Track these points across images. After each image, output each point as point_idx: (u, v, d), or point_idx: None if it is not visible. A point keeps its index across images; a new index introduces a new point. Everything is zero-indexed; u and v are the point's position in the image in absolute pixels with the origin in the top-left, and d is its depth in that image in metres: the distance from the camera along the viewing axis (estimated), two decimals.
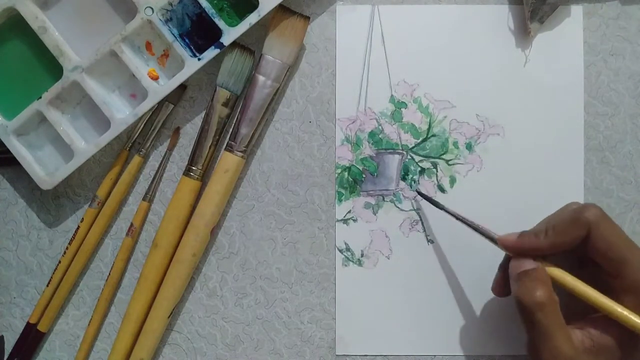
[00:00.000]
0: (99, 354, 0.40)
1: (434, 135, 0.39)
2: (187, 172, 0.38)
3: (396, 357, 0.39)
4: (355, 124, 0.39)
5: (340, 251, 0.39)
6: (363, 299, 0.39)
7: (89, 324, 0.39)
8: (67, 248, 0.39)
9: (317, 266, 0.39)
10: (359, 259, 0.39)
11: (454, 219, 0.36)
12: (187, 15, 0.38)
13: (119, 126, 0.37)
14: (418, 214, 0.39)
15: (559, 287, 0.32)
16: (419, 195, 0.39)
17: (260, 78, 0.37)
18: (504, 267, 0.35)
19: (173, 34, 0.37)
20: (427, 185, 0.39)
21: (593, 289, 0.31)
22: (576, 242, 0.32)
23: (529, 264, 0.32)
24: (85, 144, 0.38)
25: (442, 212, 0.39)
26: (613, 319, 0.31)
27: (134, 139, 0.39)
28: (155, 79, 0.38)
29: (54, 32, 0.37)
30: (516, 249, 0.33)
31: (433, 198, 0.38)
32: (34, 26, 0.37)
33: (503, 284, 0.35)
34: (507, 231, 0.34)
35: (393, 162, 0.39)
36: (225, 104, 0.38)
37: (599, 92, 0.39)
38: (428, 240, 0.39)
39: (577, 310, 0.33)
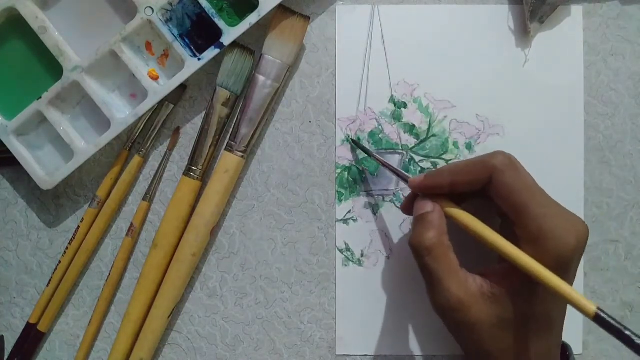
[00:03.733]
0: (99, 354, 0.40)
1: (434, 135, 0.39)
2: (187, 172, 0.38)
3: (396, 357, 0.39)
4: (355, 124, 0.39)
5: (340, 251, 0.39)
6: (363, 299, 0.39)
7: (89, 324, 0.39)
8: (67, 248, 0.39)
9: (317, 266, 0.39)
10: (359, 259, 0.39)
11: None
12: (187, 15, 0.38)
13: (119, 126, 0.37)
14: None
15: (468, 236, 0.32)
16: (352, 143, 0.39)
17: (260, 78, 0.37)
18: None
19: (173, 34, 0.37)
20: None
21: (491, 230, 0.31)
22: (478, 184, 0.32)
23: (427, 206, 0.32)
24: (85, 144, 0.38)
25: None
26: (513, 269, 0.30)
27: (134, 139, 0.39)
28: (155, 79, 0.38)
29: (54, 32, 0.37)
30: (421, 187, 0.33)
31: (360, 143, 0.38)
32: (34, 26, 0.37)
33: (410, 203, 0.35)
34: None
35: (393, 162, 0.39)
36: (225, 104, 0.38)
37: (599, 92, 0.39)
38: None
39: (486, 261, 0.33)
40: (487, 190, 0.32)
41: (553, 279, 0.28)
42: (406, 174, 0.35)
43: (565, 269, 0.30)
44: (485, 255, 0.33)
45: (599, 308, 0.27)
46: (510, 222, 0.31)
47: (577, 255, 0.30)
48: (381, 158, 0.37)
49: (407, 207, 0.36)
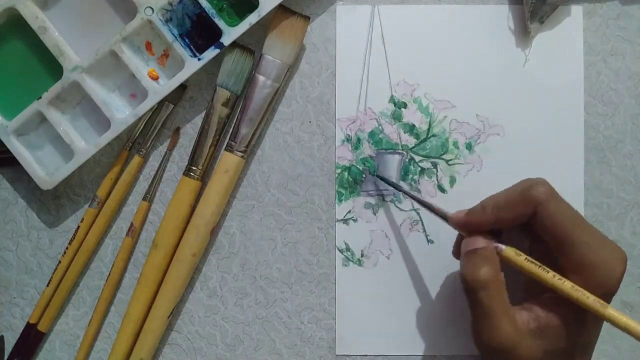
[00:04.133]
0: (99, 354, 0.40)
1: (434, 135, 0.39)
2: (187, 172, 0.38)
3: (396, 357, 0.39)
4: (355, 124, 0.39)
5: (340, 251, 0.39)
6: (363, 299, 0.39)
7: (89, 324, 0.39)
8: (67, 248, 0.39)
9: (317, 266, 0.39)
10: (359, 259, 0.39)
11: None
12: (187, 15, 0.38)
13: (119, 126, 0.37)
14: (418, 214, 0.39)
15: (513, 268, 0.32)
16: (378, 179, 0.39)
17: (260, 78, 0.37)
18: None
19: (173, 34, 0.37)
20: (427, 185, 0.39)
21: (543, 266, 0.31)
22: (523, 219, 0.31)
23: (479, 243, 0.32)
24: (85, 144, 0.38)
25: None
26: (560, 300, 0.30)
27: (134, 139, 0.39)
28: (155, 79, 0.38)
29: (54, 32, 0.37)
30: (465, 225, 0.33)
31: (391, 180, 0.38)
32: (34, 26, 0.37)
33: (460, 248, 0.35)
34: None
35: (393, 162, 0.39)
36: (225, 104, 0.38)
37: (599, 92, 0.39)
38: (428, 240, 0.39)
39: (532, 291, 0.33)
40: (529, 221, 0.32)
41: (620, 316, 0.28)
42: (444, 211, 0.35)
43: (611, 296, 0.30)
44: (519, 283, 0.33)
45: None
46: (553, 252, 0.31)
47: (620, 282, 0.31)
48: (413, 193, 0.37)
49: (458, 251, 0.35)
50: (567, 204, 0.31)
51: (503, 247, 0.32)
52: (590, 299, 0.29)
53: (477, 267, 0.31)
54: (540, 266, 0.31)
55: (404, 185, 0.39)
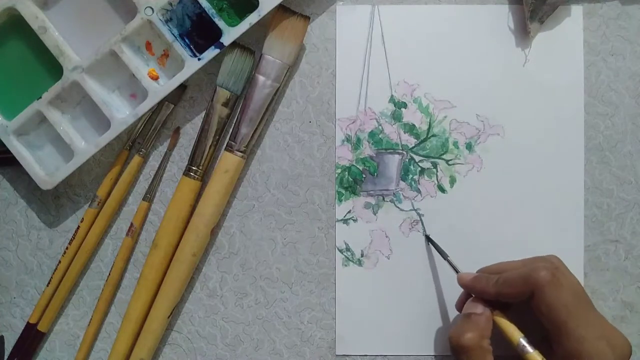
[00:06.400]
0: (99, 354, 0.40)
1: (434, 135, 0.39)
2: (187, 172, 0.38)
3: (396, 357, 0.39)
4: (355, 124, 0.39)
5: (340, 251, 0.39)
6: (363, 299, 0.39)
7: (89, 324, 0.39)
8: (67, 248, 0.39)
9: (317, 266, 0.39)
10: (359, 259, 0.39)
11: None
12: (187, 15, 0.38)
13: (119, 126, 0.37)
14: (418, 214, 0.39)
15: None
16: (427, 240, 0.39)
17: (260, 78, 0.37)
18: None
19: (173, 34, 0.37)
20: (427, 185, 0.39)
21: (536, 351, 0.31)
22: (522, 297, 0.32)
23: (478, 309, 0.33)
24: (85, 144, 0.38)
25: (442, 212, 0.39)
26: None
27: (134, 139, 0.39)
28: (155, 79, 0.38)
29: (54, 32, 0.37)
30: (468, 288, 0.35)
31: (439, 246, 0.38)
32: (34, 26, 0.37)
33: (462, 302, 0.36)
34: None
35: (393, 162, 0.39)
36: (225, 104, 0.38)
37: (599, 92, 0.39)
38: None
39: None
40: (530, 302, 0.32)
41: None
42: (457, 267, 0.36)
43: None
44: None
45: None
46: (549, 337, 0.31)
47: None
48: (440, 248, 0.38)
49: (460, 305, 0.36)
50: (572, 288, 0.31)
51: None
52: None
53: (463, 332, 0.32)
54: (519, 333, 0.32)
55: (403, 185, 0.39)
